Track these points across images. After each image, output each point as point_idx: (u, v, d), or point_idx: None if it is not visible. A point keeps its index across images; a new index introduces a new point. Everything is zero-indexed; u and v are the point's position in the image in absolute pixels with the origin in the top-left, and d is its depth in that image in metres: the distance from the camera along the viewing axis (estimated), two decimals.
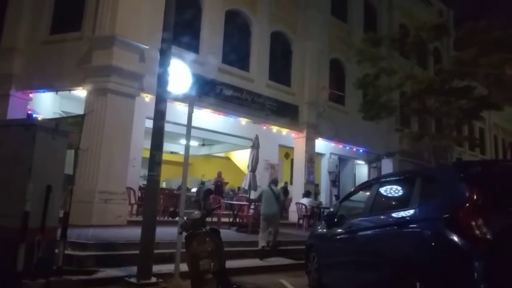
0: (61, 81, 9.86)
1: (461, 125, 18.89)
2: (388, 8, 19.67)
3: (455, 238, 2.91)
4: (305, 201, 12.58)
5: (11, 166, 4.50)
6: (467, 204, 3.02)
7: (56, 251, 4.86)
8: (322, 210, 12.76)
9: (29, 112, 11.01)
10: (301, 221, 12.45)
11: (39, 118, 10.06)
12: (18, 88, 10.47)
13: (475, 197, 3.03)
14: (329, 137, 15.74)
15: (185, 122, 6.11)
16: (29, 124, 4.85)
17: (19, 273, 4.16)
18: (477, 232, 2.83)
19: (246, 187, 11.61)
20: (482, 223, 2.84)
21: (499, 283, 2.73)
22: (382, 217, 4.13)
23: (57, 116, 11.10)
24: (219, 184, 14.62)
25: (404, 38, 14.61)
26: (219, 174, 15.01)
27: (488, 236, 2.80)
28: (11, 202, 4.39)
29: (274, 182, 9.39)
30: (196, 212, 4.51)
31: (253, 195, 11.93)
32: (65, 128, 5.03)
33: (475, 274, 2.73)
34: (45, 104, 11.61)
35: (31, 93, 10.83)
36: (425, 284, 3.09)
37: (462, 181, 3.22)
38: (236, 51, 13.01)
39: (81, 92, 9.88)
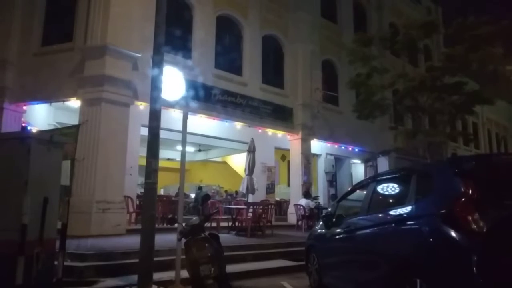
0: (54, 92, 9.85)
1: (454, 120, 19.00)
2: (377, 8, 19.82)
3: (453, 233, 2.94)
4: (303, 202, 12.60)
5: (7, 180, 4.47)
6: (463, 199, 3.04)
7: (56, 263, 4.83)
8: (320, 210, 12.78)
9: (23, 124, 10.96)
10: (299, 223, 12.46)
11: (34, 130, 10.02)
12: (12, 101, 10.44)
13: (470, 191, 3.06)
14: (324, 138, 15.81)
15: (180, 128, 6.11)
16: (24, 136, 4.80)
17: (19, 286, 4.12)
18: (474, 226, 2.85)
19: (244, 191, 11.62)
20: (479, 217, 2.86)
21: (497, 276, 2.76)
22: (379, 215, 4.15)
23: (51, 127, 11.05)
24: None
25: (394, 37, 14.73)
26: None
27: (485, 230, 2.82)
28: (9, 215, 4.37)
29: None
30: (194, 218, 4.50)
31: (251, 198, 11.94)
32: (60, 139, 5.00)
33: (474, 268, 2.75)
34: (39, 116, 11.57)
35: (24, 105, 10.79)
36: (425, 280, 3.11)
37: (457, 176, 3.24)
38: (228, 56, 13.03)
39: (75, 103, 9.86)
